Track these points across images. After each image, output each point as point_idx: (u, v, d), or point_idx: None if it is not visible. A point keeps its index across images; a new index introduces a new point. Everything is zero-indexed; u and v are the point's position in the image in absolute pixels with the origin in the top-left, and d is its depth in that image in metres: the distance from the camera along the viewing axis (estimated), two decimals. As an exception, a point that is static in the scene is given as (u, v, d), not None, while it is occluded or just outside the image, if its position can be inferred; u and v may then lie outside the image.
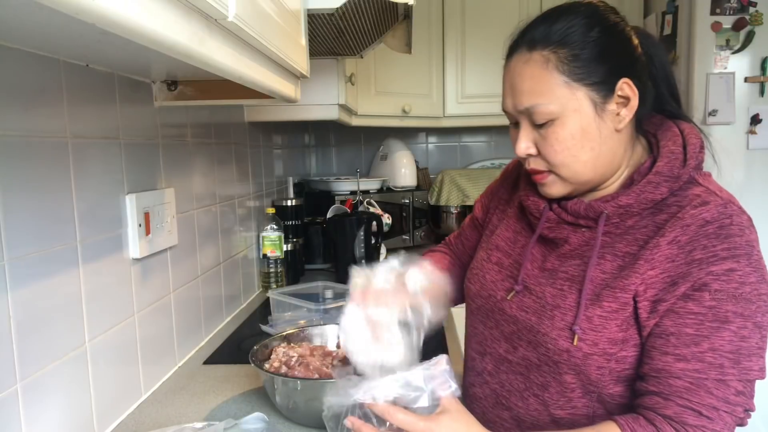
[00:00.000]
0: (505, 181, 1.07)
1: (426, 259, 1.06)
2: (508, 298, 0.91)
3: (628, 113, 0.82)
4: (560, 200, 0.89)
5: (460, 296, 1.10)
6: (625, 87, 0.80)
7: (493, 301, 0.94)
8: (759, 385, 0.76)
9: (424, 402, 0.78)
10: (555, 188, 0.86)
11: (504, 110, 0.88)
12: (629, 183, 0.85)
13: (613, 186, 0.87)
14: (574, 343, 0.80)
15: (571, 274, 0.85)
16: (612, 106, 0.81)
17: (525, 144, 0.84)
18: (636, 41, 0.84)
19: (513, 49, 0.84)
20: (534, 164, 0.86)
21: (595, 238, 0.83)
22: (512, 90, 0.84)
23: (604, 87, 0.80)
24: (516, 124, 0.87)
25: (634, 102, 0.81)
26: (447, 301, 0.99)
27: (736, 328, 0.73)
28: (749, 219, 0.78)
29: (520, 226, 0.97)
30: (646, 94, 0.84)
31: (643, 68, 0.84)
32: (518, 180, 1.01)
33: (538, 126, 0.82)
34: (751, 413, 0.75)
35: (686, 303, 0.75)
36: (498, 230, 1.00)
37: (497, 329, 0.93)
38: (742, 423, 0.75)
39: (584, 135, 0.81)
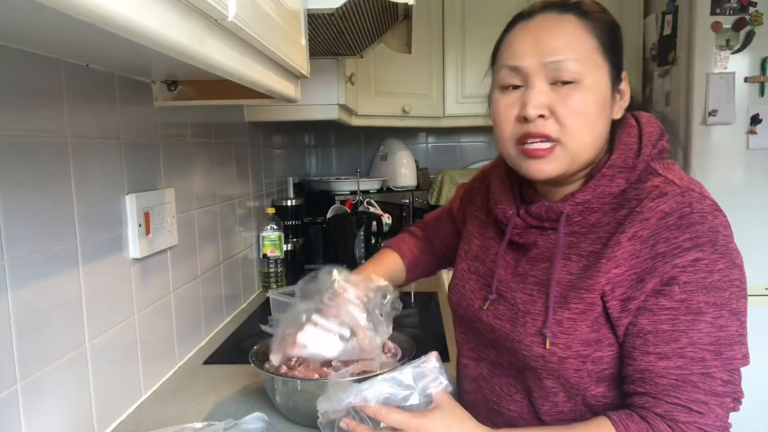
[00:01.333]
0: (481, 185, 1.06)
1: (392, 250, 1.18)
2: (484, 308, 0.91)
3: (622, 105, 0.84)
4: (527, 204, 0.89)
5: (422, 274, 1.20)
6: (625, 80, 0.83)
7: (472, 311, 0.94)
8: (758, 385, 0.76)
9: (414, 400, 0.78)
10: (554, 165, 0.80)
11: (514, 67, 0.80)
12: (588, 180, 0.84)
13: (576, 183, 0.86)
14: (547, 347, 0.80)
15: (540, 278, 0.84)
16: (616, 94, 0.83)
17: (542, 99, 0.77)
18: None
19: (534, 11, 0.82)
20: (543, 127, 0.78)
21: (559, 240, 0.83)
22: (538, 44, 0.78)
23: (617, 72, 0.82)
24: (514, 87, 0.81)
25: (627, 97, 0.83)
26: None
27: (712, 319, 0.72)
28: (713, 204, 0.76)
29: (493, 233, 0.96)
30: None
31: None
32: (490, 187, 0.99)
33: (561, 84, 0.77)
34: (741, 400, 0.75)
35: (658, 299, 0.74)
36: (475, 239, 1.00)
37: (482, 336, 0.93)
38: (734, 410, 0.74)
39: (601, 108, 0.80)
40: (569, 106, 0.77)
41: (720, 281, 0.73)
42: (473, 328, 0.95)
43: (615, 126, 0.86)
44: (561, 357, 0.79)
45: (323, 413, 0.80)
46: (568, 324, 0.79)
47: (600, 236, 0.80)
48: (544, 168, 0.80)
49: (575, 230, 0.83)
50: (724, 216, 0.76)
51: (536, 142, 0.80)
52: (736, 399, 0.74)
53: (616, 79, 0.82)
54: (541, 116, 0.78)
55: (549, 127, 0.78)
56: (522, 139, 0.81)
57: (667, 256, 0.73)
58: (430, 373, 0.79)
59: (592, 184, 0.81)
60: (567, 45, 0.78)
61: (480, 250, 0.98)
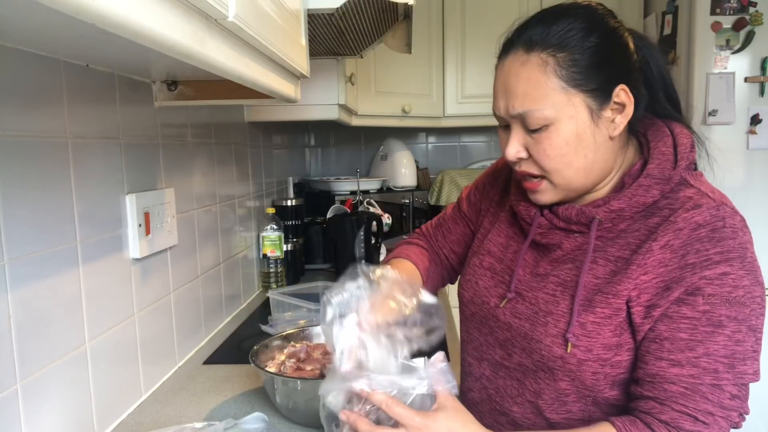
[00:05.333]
0: (495, 181, 1.05)
1: (403, 258, 1.07)
2: (501, 305, 0.90)
3: (623, 120, 0.80)
4: (551, 206, 0.88)
5: (431, 288, 1.08)
6: (622, 94, 0.79)
7: (487, 308, 0.93)
8: (758, 386, 0.76)
9: (422, 389, 0.77)
10: (547, 196, 0.85)
11: (494, 112, 0.85)
12: (620, 186, 0.84)
13: (604, 189, 0.86)
14: (568, 351, 0.80)
15: (563, 279, 0.84)
16: (607, 113, 0.80)
17: (516, 148, 0.82)
18: (632, 46, 0.82)
19: (508, 48, 0.81)
20: (526, 167, 0.84)
21: (588, 243, 0.82)
22: (506, 92, 0.81)
23: (602, 93, 0.78)
24: (506, 127, 0.84)
25: (630, 109, 0.80)
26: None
27: (731, 332, 0.73)
28: (742, 220, 0.77)
29: (513, 231, 0.95)
30: (640, 98, 0.83)
31: (638, 73, 0.82)
32: (509, 182, 1.00)
33: (532, 130, 0.80)
34: (746, 416, 0.75)
35: (680, 307, 0.74)
36: (490, 235, 0.99)
37: (491, 336, 0.92)
38: (737, 426, 0.75)
39: (579, 142, 0.79)
40: (541, 149, 0.80)
41: (744, 297, 0.73)
42: (485, 326, 0.93)
43: (646, 129, 0.85)
44: (581, 359, 0.79)
45: (324, 405, 0.78)
46: (591, 327, 0.79)
47: (629, 242, 0.80)
48: (539, 198, 0.86)
49: (602, 234, 0.83)
50: (750, 234, 0.77)
51: (526, 177, 0.85)
52: (741, 415, 0.75)
53: (602, 102, 0.79)
54: (521, 158, 0.83)
55: (530, 167, 0.83)
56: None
57: (696, 267, 0.74)
58: (437, 372, 0.79)
59: (629, 192, 0.81)
60: (527, 95, 0.78)
61: (497, 246, 0.96)
